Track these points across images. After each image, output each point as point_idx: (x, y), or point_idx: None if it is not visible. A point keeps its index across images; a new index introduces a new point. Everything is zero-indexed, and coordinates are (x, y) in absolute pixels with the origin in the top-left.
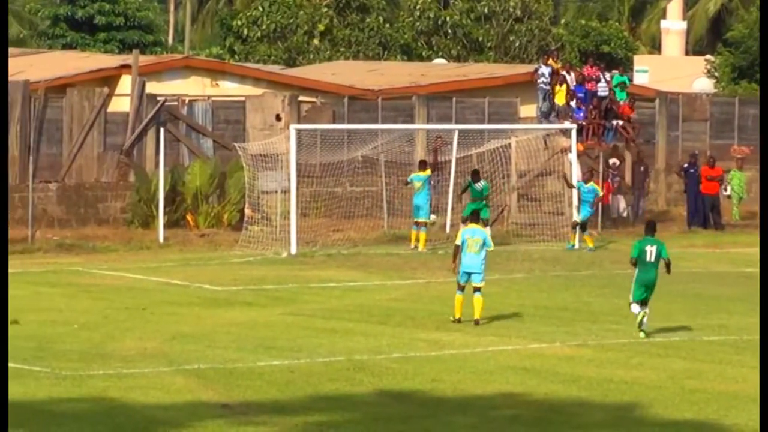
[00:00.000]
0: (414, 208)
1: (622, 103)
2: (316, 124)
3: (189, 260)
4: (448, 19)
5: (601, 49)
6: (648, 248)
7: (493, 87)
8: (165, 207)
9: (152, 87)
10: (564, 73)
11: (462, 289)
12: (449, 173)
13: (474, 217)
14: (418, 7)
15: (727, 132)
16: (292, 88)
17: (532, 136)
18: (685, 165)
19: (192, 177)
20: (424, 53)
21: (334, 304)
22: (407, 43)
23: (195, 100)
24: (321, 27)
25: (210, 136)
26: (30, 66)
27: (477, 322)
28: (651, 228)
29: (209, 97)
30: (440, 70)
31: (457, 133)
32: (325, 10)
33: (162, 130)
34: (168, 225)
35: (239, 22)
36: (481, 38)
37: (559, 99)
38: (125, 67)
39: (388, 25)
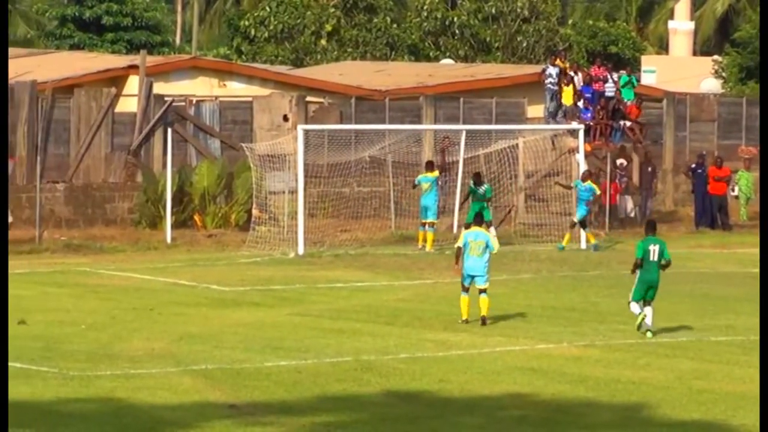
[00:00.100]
0: (422, 209)
1: (629, 103)
2: (324, 125)
3: (196, 261)
4: (455, 19)
5: (609, 49)
6: (651, 248)
7: (500, 87)
8: (172, 207)
9: (160, 87)
10: (571, 73)
11: (467, 290)
12: (457, 174)
13: (477, 219)
14: (425, 7)
15: (734, 132)
16: (300, 89)
17: (539, 136)
18: (693, 165)
19: (199, 177)
20: (431, 54)
21: (341, 304)
22: (414, 43)
23: (202, 101)
24: (328, 27)
25: (217, 136)
26: (37, 66)
27: (484, 320)
28: (652, 227)
29: (216, 97)
30: (448, 70)
31: (464, 133)
32: (332, 10)
33: (169, 130)
34: (175, 225)
35: (247, 23)
36: (488, 38)
37: (567, 99)
38: (133, 68)
39: (395, 26)
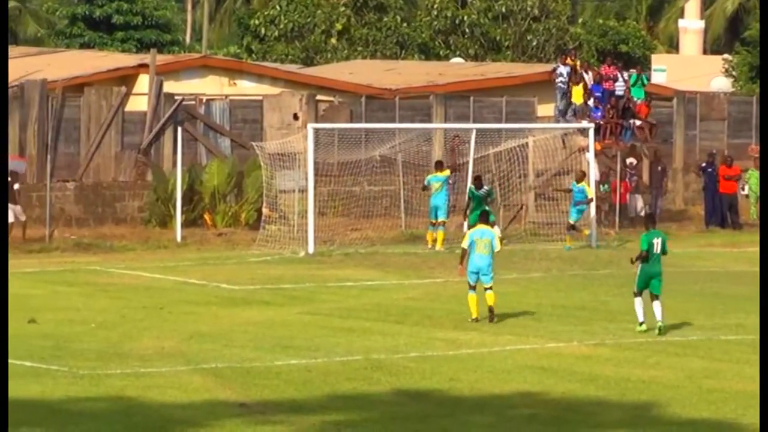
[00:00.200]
0: (432, 208)
1: (639, 102)
2: (334, 124)
3: (206, 259)
4: (465, 18)
5: (619, 48)
6: (654, 240)
7: (510, 86)
8: (182, 206)
9: (170, 86)
10: (582, 72)
11: (473, 288)
12: (467, 173)
13: (483, 217)
14: (435, 6)
15: (744, 131)
16: (310, 88)
17: (549, 135)
18: (703, 164)
19: (209, 176)
20: (441, 52)
21: (351, 303)
22: (425, 42)
23: (212, 100)
24: (338, 26)
25: (227, 135)
26: (48, 65)
27: (491, 311)
28: (652, 221)
29: (227, 96)
30: (458, 69)
31: (474, 132)
32: (342, 9)
33: (179, 129)
34: (185, 224)
35: (257, 21)
36: (498, 37)
37: (577, 98)
38: (143, 67)
39: (405, 25)
